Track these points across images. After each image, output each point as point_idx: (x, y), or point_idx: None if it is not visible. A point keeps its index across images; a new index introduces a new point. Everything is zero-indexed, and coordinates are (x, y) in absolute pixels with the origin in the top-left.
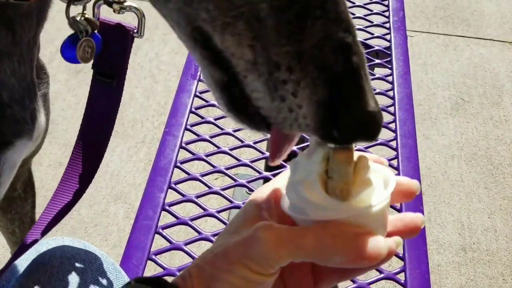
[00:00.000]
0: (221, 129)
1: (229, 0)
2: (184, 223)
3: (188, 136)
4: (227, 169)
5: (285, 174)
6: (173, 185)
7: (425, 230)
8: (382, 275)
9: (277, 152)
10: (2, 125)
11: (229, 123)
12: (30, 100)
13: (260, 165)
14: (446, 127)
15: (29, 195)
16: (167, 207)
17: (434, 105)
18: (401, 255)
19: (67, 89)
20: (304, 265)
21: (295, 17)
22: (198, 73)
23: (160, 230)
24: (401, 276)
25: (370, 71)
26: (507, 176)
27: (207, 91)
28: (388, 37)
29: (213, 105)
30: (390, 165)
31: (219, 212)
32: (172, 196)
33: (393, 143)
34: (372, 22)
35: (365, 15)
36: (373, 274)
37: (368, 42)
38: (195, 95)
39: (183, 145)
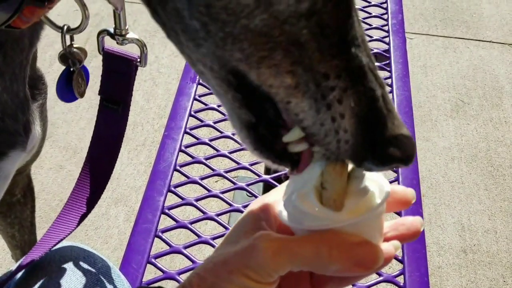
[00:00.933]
0: (221, 132)
1: (265, 34)
2: (184, 227)
3: (188, 140)
4: (226, 172)
5: (283, 186)
6: (172, 189)
7: (424, 233)
8: (381, 278)
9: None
10: None
11: (229, 126)
12: (23, 114)
13: (260, 168)
14: (446, 129)
15: (29, 200)
16: (166, 211)
17: (434, 107)
18: (400, 257)
19: None
20: (302, 274)
21: (337, 42)
22: (198, 77)
23: (160, 234)
24: (400, 279)
25: None
26: (507, 178)
27: (206, 94)
28: (387, 39)
29: (212, 108)
30: None
31: (218, 215)
32: (172, 199)
33: None
34: (371, 25)
35: (364, 18)
36: (372, 277)
37: None
38: (195, 99)
39: (183, 148)
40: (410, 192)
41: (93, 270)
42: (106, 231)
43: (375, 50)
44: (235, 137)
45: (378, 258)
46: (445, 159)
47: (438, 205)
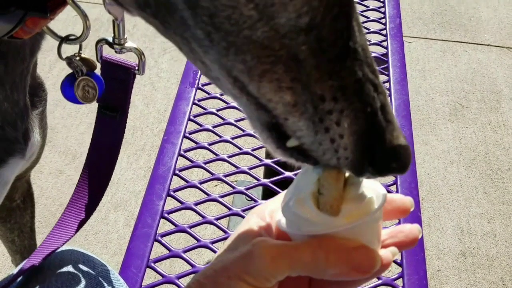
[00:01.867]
0: (220, 136)
1: (266, 46)
2: (183, 231)
3: (187, 144)
4: (225, 176)
5: (282, 194)
6: (171, 193)
7: (422, 236)
8: (380, 282)
9: None
10: None
11: (228, 131)
12: (23, 122)
13: (259, 172)
14: (445, 132)
15: (28, 205)
16: (166, 215)
17: (433, 110)
18: (399, 261)
19: None
20: (301, 278)
21: (335, 57)
22: (196, 81)
23: (159, 238)
24: (399, 282)
25: None
26: (506, 181)
27: (205, 99)
28: (385, 44)
29: (211, 113)
30: None
31: (217, 219)
32: (172, 203)
33: None
34: (369, 29)
35: (362, 22)
36: (371, 280)
37: None
38: (194, 103)
39: (182, 152)
40: (408, 201)
41: (93, 274)
42: (105, 236)
43: (373, 54)
44: (235, 141)
45: (375, 262)
46: (444, 163)
47: (437, 208)
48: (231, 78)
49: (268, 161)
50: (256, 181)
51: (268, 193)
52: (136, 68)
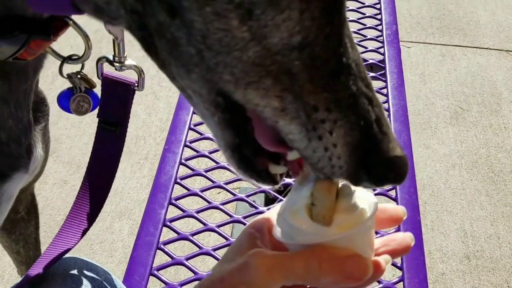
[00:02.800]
0: None
1: (257, 64)
2: (185, 238)
3: (189, 152)
4: (226, 183)
5: (278, 207)
6: (173, 201)
7: (422, 239)
8: (380, 285)
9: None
10: (0, 161)
11: None
12: (26, 138)
13: None
14: (446, 136)
15: (32, 217)
16: (168, 223)
17: (433, 114)
18: (399, 264)
19: None
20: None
21: (328, 72)
22: None
23: (162, 246)
24: (400, 286)
25: None
26: (508, 183)
27: None
28: (381, 50)
29: None
30: None
31: (219, 226)
32: (174, 211)
33: None
34: (365, 36)
35: (359, 29)
36: (371, 285)
37: (362, 56)
38: (194, 112)
39: (183, 161)
40: (401, 210)
41: (97, 283)
42: (110, 245)
43: (371, 61)
44: None
45: (367, 269)
46: (446, 166)
47: (440, 212)
48: (212, 95)
49: None
50: (257, 187)
51: (270, 200)
52: (136, 84)
